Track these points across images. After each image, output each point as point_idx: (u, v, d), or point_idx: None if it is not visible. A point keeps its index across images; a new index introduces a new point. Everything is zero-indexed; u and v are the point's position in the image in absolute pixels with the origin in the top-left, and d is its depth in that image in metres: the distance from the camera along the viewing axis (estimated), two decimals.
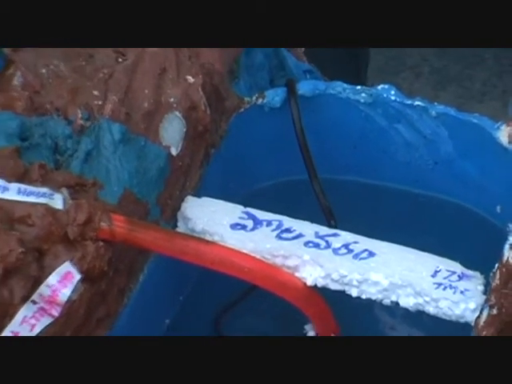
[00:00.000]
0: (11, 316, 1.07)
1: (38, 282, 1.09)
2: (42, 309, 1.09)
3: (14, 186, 1.15)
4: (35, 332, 1.08)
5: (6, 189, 1.15)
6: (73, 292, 1.11)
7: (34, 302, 1.08)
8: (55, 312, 1.09)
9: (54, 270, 1.10)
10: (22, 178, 1.16)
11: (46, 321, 1.09)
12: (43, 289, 1.09)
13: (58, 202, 1.14)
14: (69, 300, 1.10)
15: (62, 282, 1.11)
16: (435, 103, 1.26)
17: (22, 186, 1.15)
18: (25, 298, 1.07)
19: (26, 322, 1.08)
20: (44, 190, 1.14)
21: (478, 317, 1.07)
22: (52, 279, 1.10)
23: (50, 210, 1.12)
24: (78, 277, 1.11)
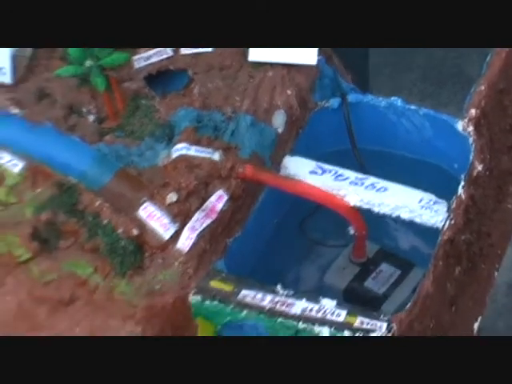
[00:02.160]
0: (190, 217, 1.08)
1: (204, 199, 1.10)
2: (206, 214, 1.10)
3: (193, 147, 1.15)
4: (203, 227, 1.08)
5: (188, 149, 1.15)
6: (223, 205, 1.11)
7: (202, 210, 1.09)
8: (214, 216, 1.10)
9: (214, 193, 1.11)
10: (197, 143, 1.16)
11: (208, 221, 1.09)
12: (207, 204, 1.10)
13: (216, 157, 1.15)
14: (221, 210, 1.10)
15: (218, 200, 1.11)
16: (422, 107, 1.25)
17: (198, 148, 1.15)
18: (197, 209, 1.09)
19: (199, 221, 1.09)
20: (209, 150, 1.15)
21: (443, 225, 1.06)
22: (212, 198, 1.11)
23: (212, 161, 1.13)
24: (226, 197, 1.11)
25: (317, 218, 1.28)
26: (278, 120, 1.21)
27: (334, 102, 1.30)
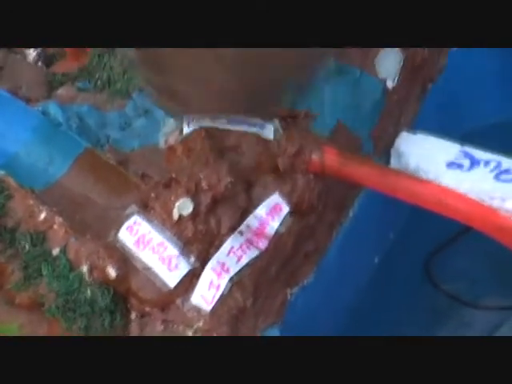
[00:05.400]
0: (217, 246, 0.80)
1: (245, 212, 0.83)
2: (248, 240, 0.82)
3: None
4: (242, 264, 0.80)
5: (218, 117, 0.87)
6: (281, 225, 0.83)
7: (242, 233, 0.82)
8: (262, 245, 0.81)
9: (262, 201, 0.84)
10: None
11: (252, 253, 0.81)
12: (251, 220, 0.83)
13: (269, 132, 0.85)
14: (277, 233, 0.82)
15: (271, 214, 0.84)
16: None
17: (234, 116, 0.89)
18: (232, 229, 0.81)
19: (233, 253, 0.81)
20: (255, 120, 0.86)
21: None
22: (260, 211, 0.83)
23: (260, 140, 0.85)
24: (286, 209, 0.84)
25: (458, 250, 0.98)
26: (388, 64, 0.91)
27: None
